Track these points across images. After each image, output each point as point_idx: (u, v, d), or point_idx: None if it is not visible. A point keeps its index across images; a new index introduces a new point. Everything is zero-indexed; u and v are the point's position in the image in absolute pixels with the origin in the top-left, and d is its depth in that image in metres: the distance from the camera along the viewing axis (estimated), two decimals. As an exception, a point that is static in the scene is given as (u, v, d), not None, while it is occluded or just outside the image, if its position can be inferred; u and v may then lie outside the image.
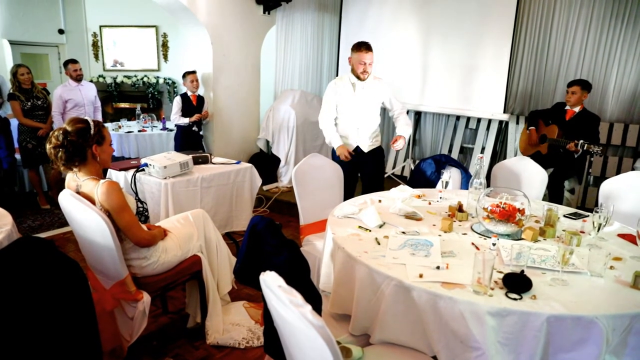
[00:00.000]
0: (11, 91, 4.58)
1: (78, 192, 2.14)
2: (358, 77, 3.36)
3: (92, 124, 2.13)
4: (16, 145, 4.89)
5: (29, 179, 5.01)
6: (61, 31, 7.47)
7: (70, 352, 1.65)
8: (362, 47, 3.29)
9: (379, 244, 1.93)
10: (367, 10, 5.66)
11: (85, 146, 2.09)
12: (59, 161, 2.09)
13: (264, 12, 5.51)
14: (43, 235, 4.12)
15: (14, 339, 1.52)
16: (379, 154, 3.60)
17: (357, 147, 3.48)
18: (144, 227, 2.31)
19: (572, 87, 4.03)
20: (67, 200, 2.13)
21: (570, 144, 3.76)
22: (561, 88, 4.78)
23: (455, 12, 5.03)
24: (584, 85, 4.01)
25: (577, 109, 4.06)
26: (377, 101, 3.49)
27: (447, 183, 2.75)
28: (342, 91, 3.42)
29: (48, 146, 2.08)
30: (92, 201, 2.10)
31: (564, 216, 2.40)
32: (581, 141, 3.66)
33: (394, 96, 3.55)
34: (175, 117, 4.94)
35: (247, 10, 5.37)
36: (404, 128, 3.48)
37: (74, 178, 2.16)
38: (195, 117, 4.93)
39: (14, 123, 4.84)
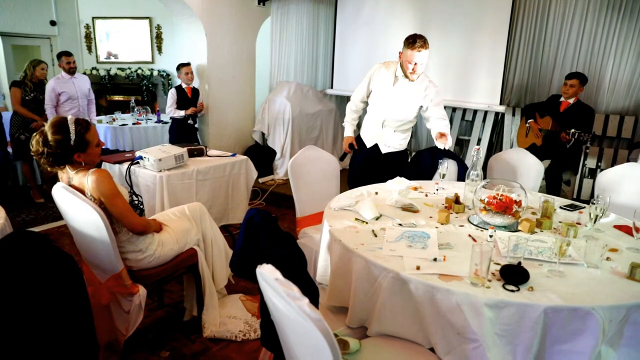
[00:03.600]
0: (19, 79, 4.58)
1: (70, 185, 2.11)
2: (405, 75, 2.97)
3: (73, 132, 1.99)
4: (8, 138, 4.84)
5: (23, 172, 4.97)
6: (53, 23, 7.36)
7: (66, 347, 1.64)
8: (415, 43, 2.79)
9: (375, 236, 1.92)
10: (362, 1, 5.61)
11: (66, 155, 2.03)
12: (43, 164, 2.06)
13: (259, 4, 5.46)
14: (37, 229, 4.09)
15: (9, 333, 1.50)
16: (398, 159, 3.20)
17: (376, 145, 3.18)
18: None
19: (571, 80, 4.12)
20: (60, 193, 2.10)
21: (562, 133, 3.85)
22: (557, 79, 4.78)
23: (452, 3, 5.00)
24: (582, 80, 4.11)
25: (571, 101, 4.13)
26: (416, 104, 3.07)
27: (444, 175, 2.76)
28: (382, 80, 3.03)
29: (31, 148, 2.02)
30: (84, 193, 2.07)
31: (561, 208, 2.40)
32: (572, 130, 3.72)
33: (439, 104, 3.06)
34: (171, 110, 4.90)
35: (242, 2, 5.31)
36: (443, 123, 2.95)
37: (66, 171, 2.14)
38: (190, 110, 4.90)
39: (6, 116, 4.78)
